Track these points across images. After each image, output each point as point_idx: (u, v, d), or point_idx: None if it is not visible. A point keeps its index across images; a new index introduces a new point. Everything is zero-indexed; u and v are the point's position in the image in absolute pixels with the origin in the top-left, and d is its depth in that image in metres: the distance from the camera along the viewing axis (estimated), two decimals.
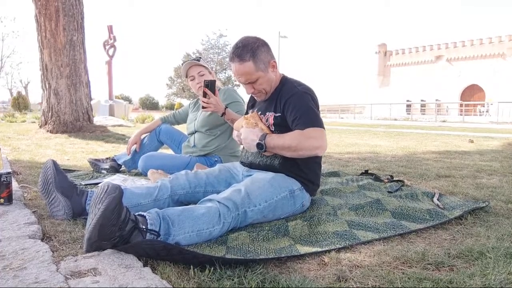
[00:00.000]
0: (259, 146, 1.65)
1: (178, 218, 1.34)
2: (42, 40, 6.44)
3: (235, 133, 1.86)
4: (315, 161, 1.80)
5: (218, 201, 1.47)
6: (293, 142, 1.59)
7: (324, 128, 1.65)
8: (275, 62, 1.75)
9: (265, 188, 1.59)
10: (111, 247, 1.21)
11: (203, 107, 2.24)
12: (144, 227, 1.27)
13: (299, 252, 1.28)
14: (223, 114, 2.27)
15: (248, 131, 1.70)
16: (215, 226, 1.40)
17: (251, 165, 1.82)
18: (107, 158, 2.97)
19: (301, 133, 1.61)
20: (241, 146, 1.90)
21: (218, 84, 2.42)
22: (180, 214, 1.36)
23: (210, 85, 2.19)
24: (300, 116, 1.64)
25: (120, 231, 1.21)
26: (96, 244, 1.20)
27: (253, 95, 1.90)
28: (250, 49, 1.67)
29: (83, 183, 2.38)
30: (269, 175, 1.68)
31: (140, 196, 1.64)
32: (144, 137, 2.86)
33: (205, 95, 2.19)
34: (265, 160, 1.76)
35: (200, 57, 2.63)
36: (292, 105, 1.68)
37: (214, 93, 2.20)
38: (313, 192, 1.83)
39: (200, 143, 2.58)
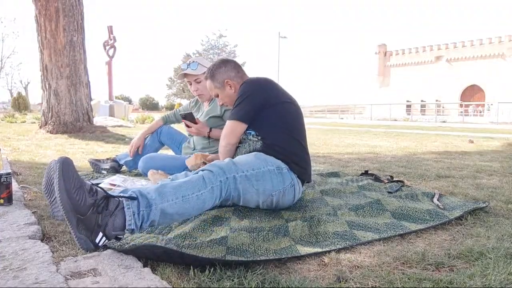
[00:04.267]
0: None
1: (157, 191, 1.34)
2: (42, 41, 6.44)
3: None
4: (296, 144, 1.84)
5: (202, 170, 1.52)
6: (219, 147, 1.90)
7: (242, 117, 1.81)
8: (231, 81, 1.93)
9: (251, 160, 1.67)
10: (95, 223, 1.20)
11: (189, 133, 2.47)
12: (120, 198, 1.27)
13: (299, 253, 1.28)
14: (209, 136, 2.44)
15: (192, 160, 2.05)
16: (201, 190, 1.41)
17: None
18: (107, 159, 2.97)
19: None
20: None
21: None
22: (159, 187, 1.37)
23: (187, 117, 2.41)
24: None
25: (93, 199, 1.22)
26: (81, 225, 1.19)
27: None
28: (210, 70, 1.97)
29: None
30: (254, 152, 1.76)
31: None
32: (147, 137, 2.87)
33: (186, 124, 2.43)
34: (248, 149, 1.84)
35: (195, 61, 2.55)
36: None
37: (194, 121, 2.40)
38: (302, 174, 1.83)
39: (199, 145, 2.58)
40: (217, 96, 1.99)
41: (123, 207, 1.26)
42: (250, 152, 1.81)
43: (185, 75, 2.56)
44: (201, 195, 1.40)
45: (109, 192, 1.30)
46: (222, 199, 1.52)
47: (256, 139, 1.83)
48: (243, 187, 1.58)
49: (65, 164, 1.22)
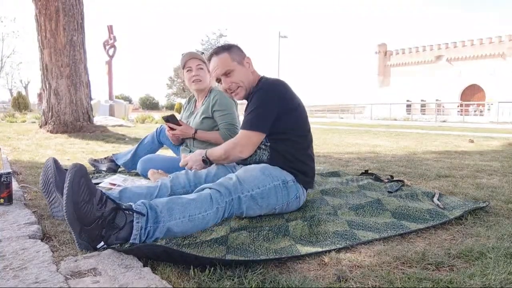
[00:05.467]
0: (204, 161, 1.85)
1: (166, 206, 1.34)
2: (42, 40, 6.44)
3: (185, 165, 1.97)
4: (305, 153, 1.81)
5: (210, 188, 1.49)
6: (222, 151, 1.78)
7: (259, 128, 1.71)
8: (249, 59, 1.84)
9: (257, 176, 1.62)
10: (99, 233, 1.20)
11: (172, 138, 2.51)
12: (129, 210, 1.27)
13: (300, 252, 1.28)
14: (194, 138, 2.44)
15: (192, 155, 1.91)
16: (208, 210, 1.40)
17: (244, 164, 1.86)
18: (105, 158, 2.96)
19: (230, 141, 1.79)
20: None
21: (214, 85, 2.55)
22: (168, 201, 1.36)
23: (170, 119, 2.40)
24: (244, 118, 1.78)
25: (100, 211, 1.21)
26: (84, 233, 1.19)
27: (231, 94, 1.90)
28: (225, 47, 1.84)
29: None
30: (261, 165, 1.71)
31: (140, 196, 1.64)
32: (146, 137, 2.87)
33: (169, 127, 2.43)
34: (254, 158, 1.80)
35: (203, 53, 2.59)
36: (249, 105, 1.80)
37: (177, 123, 2.40)
38: (307, 184, 1.83)
39: (196, 147, 2.58)
40: (227, 74, 1.79)
41: (132, 220, 1.26)
42: (256, 162, 1.78)
43: (188, 61, 2.51)
44: (207, 215, 1.40)
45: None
46: (223, 218, 1.51)
47: (264, 147, 1.78)
48: (247, 206, 1.56)
49: (77, 176, 1.20)
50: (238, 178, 1.57)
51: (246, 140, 1.73)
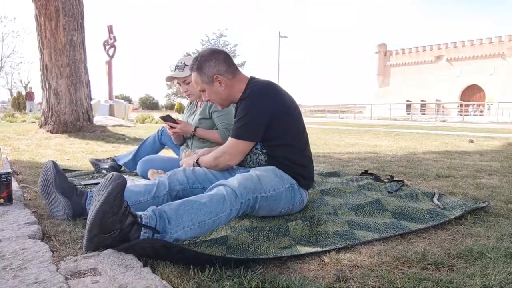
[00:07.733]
0: (195, 166, 1.85)
1: (175, 214, 1.32)
2: (42, 40, 6.44)
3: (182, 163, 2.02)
4: (302, 155, 1.80)
5: (225, 185, 1.46)
6: (212, 159, 1.78)
7: (247, 137, 1.69)
8: (221, 76, 1.73)
9: (272, 177, 1.62)
10: (110, 243, 1.21)
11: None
12: (145, 226, 1.27)
13: (299, 252, 1.28)
14: (194, 135, 2.44)
15: (188, 158, 1.97)
16: (219, 214, 1.37)
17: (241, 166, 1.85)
18: (107, 158, 2.97)
19: (219, 149, 1.79)
20: None
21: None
22: (178, 208, 1.34)
23: (167, 119, 2.42)
24: (233, 126, 1.77)
25: (120, 224, 1.21)
26: (97, 239, 1.20)
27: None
28: (198, 61, 1.75)
29: (83, 183, 2.38)
30: (271, 167, 1.69)
31: (138, 194, 1.63)
32: (148, 138, 2.87)
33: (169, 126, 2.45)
34: (252, 164, 1.78)
35: (182, 62, 2.49)
36: (237, 112, 1.78)
37: (174, 122, 2.41)
38: (308, 186, 1.83)
39: (197, 147, 2.58)
40: (203, 91, 1.80)
41: (140, 234, 1.26)
42: (252, 166, 1.77)
43: (174, 77, 2.53)
44: (218, 219, 1.37)
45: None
46: (235, 218, 1.49)
47: (260, 152, 1.76)
48: (259, 206, 1.55)
49: (117, 189, 1.20)
50: (258, 176, 1.56)
51: (234, 149, 1.72)
